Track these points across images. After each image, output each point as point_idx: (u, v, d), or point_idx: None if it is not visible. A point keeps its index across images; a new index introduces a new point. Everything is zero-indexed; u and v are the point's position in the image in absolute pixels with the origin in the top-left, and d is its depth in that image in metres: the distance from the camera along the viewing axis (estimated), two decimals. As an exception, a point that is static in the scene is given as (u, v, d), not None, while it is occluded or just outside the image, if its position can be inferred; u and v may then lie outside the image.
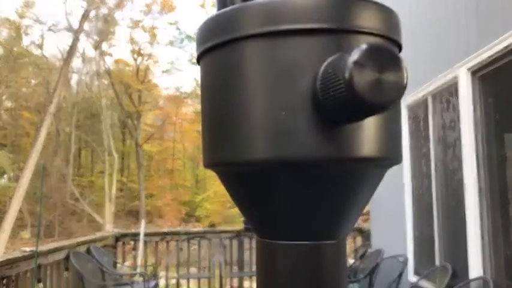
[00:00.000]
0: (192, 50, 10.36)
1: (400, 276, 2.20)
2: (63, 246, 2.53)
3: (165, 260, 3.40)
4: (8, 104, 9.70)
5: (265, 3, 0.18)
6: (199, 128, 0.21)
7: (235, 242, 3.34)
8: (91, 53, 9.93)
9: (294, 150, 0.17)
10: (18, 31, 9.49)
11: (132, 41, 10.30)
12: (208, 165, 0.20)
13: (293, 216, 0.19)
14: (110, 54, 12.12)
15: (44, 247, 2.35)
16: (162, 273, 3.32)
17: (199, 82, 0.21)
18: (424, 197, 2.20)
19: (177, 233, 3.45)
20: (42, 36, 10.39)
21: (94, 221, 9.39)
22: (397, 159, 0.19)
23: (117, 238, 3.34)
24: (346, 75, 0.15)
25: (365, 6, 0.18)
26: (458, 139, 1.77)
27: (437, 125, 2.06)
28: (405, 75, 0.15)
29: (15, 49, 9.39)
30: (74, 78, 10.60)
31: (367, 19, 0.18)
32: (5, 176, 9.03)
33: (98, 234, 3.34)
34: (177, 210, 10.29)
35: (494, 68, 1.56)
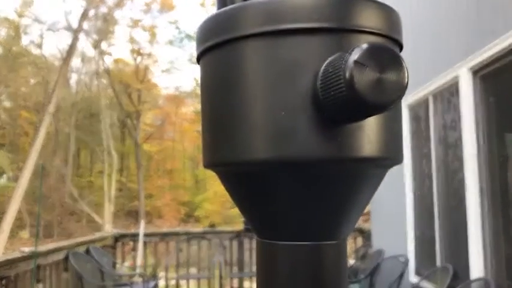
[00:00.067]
0: (191, 49, 10.39)
1: (401, 276, 2.20)
2: (63, 246, 2.53)
3: (164, 261, 3.40)
4: (7, 103, 9.70)
5: (265, 3, 0.18)
6: (199, 127, 0.21)
7: (235, 243, 3.34)
8: (90, 52, 9.95)
9: (294, 150, 0.17)
10: (17, 30, 9.48)
11: (132, 40, 10.32)
12: (208, 165, 0.20)
13: (293, 217, 0.19)
14: (110, 54, 12.16)
15: (43, 247, 2.35)
16: (161, 274, 3.32)
17: (199, 82, 0.21)
18: (425, 197, 2.20)
19: (177, 234, 3.45)
20: (41, 36, 10.42)
21: (93, 221, 9.39)
22: (398, 159, 0.19)
23: (117, 238, 3.34)
24: (347, 74, 0.15)
25: (366, 5, 0.18)
26: (459, 139, 1.77)
27: (438, 125, 2.07)
28: (406, 74, 0.15)
29: (14, 48, 9.39)
30: (73, 78, 10.62)
31: (367, 18, 0.18)
32: (4, 175, 9.03)
33: (97, 235, 3.34)
34: (176, 211, 10.29)
35: (495, 67, 1.56)
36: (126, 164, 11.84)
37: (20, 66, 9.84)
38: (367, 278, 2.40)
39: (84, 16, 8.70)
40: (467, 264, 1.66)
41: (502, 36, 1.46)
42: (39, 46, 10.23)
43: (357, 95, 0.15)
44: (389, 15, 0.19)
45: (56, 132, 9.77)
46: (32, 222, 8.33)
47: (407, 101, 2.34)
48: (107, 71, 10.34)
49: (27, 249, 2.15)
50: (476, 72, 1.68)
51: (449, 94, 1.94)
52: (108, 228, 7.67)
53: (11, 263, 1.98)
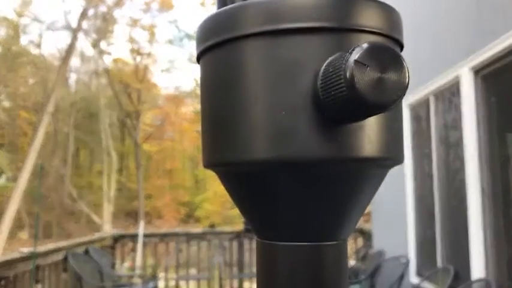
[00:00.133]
0: (191, 48, 10.39)
1: (401, 277, 2.20)
2: (62, 247, 2.52)
3: (164, 261, 3.39)
4: (6, 103, 9.68)
5: (265, 2, 0.18)
6: (199, 127, 0.21)
7: (235, 243, 3.34)
8: (89, 52, 9.94)
9: (294, 150, 0.17)
10: (16, 30, 9.47)
11: (131, 39, 10.32)
12: (208, 165, 0.20)
13: (294, 217, 0.18)
14: (109, 53, 12.14)
15: (42, 248, 2.34)
16: (161, 275, 3.31)
17: (199, 81, 0.21)
18: (426, 198, 2.19)
19: (177, 234, 3.44)
20: (40, 35, 10.40)
21: (92, 221, 9.37)
22: (398, 159, 0.19)
23: (116, 239, 3.33)
24: (348, 74, 0.15)
25: (366, 5, 0.18)
26: (460, 139, 1.76)
27: (439, 125, 2.06)
28: (407, 74, 0.15)
29: (13, 48, 9.38)
30: (72, 78, 10.60)
31: (368, 18, 0.18)
32: (3, 176, 9.01)
33: (97, 235, 3.33)
34: (176, 211, 10.28)
35: (496, 67, 1.56)
36: (125, 164, 11.82)
37: (19, 66, 9.82)
38: (367, 279, 2.40)
39: (83, 15, 8.70)
40: (468, 265, 1.65)
41: (502, 36, 1.46)
42: (38, 46, 10.22)
43: (358, 95, 0.15)
44: (390, 14, 0.19)
45: (55, 132, 9.76)
46: (31, 223, 8.31)
47: (408, 101, 2.34)
48: (106, 71, 10.32)
49: (26, 250, 2.15)
50: (477, 71, 1.67)
51: (450, 94, 1.93)
52: (108, 229, 7.66)
53: (10, 263, 1.98)
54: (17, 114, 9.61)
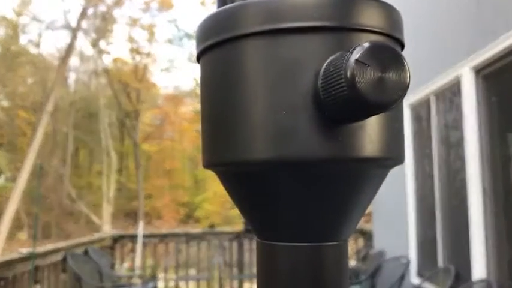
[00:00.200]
0: (191, 48, 10.35)
1: (402, 278, 2.20)
2: (61, 247, 2.52)
3: (163, 262, 3.39)
4: (5, 103, 9.66)
5: (266, 1, 0.18)
6: (199, 127, 0.21)
7: (235, 244, 3.34)
8: (89, 51, 9.92)
9: (295, 150, 0.17)
10: (15, 29, 9.45)
11: (131, 39, 10.31)
12: (207, 165, 0.20)
13: (294, 217, 0.18)
14: (108, 53, 12.12)
15: (41, 248, 2.34)
16: (160, 275, 3.31)
17: (199, 81, 0.20)
18: (426, 198, 2.19)
19: (176, 235, 3.44)
20: (39, 35, 10.38)
21: (92, 222, 9.35)
22: (399, 159, 0.19)
23: (115, 239, 3.33)
24: (348, 74, 0.15)
25: (367, 4, 0.18)
26: (461, 139, 1.76)
27: (440, 125, 2.06)
28: (408, 74, 0.15)
29: (12, 47, 9.36)
30: (72, 77, 10.58)
31: (369, 17, 0.18)
32: (2, 176, 8.99)
33: (96, 236, 3.33)
34: (175, 211, 10.27)
35: (497, 67, 1.55)
36: (125, 164, 11.81)
37: (18, 65, 9.80)
38: (368, 279, 2.40)
39: (82, 15, 8.68)
40: (470, 265, 1.65)
41: (503, 36, 1.46)
42: (38, 45, 10.19)
43: (358, 95, 0.15)
44: (391, 13, 0.19)
45: (54, 132, 9.74)
46: (30, 223, 8.29)
47: (409, 101, 2.33)
48: (106, 70, 10.31)
49: (25, 250, 2.14)
50: (478, 71, 1.67)
51: (451, 93, 1.93)
52: (107, 229, 7.64)
53: (8, 264, 1.97)
54: (15, 114, 9.59)
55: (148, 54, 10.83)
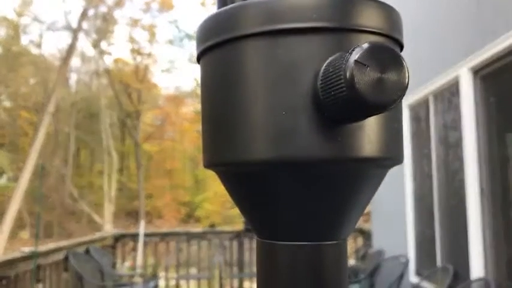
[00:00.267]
0: (191, 48, 10.38)
1: (401, 276, 2.20)
2: (62, 246, 2.53)
3: (164, 261, 3.40)
4: (7, 103, 9.71)
5: (266, 2, 0.18)
6: (199, 127, 0.21)
7: (235, 243, 3.34)
8: (90, 52, 9.96)
9: (294, 150, 0.17)
10: (16, 30, 9.49)
11: (132, 39, 10.34)
12: (208, 165, 0.20)
13: (294, 217, 0.19)
14: (109, 53, 12.16)
15: (43, 247, 2.35)
16: (161, 274, 3.32)
17: (199, 81, 0.21)
18: (425, 198, 2.20)
19: (177, 234, 3.45)
20: (40, 35, 10.42)
21: (93, 221, 9.39)
22: (398, 159, 0.19)
23: (117, 238, 3.34)
24: (347, 74, 0.15)
25: (366, 5, 0.18)
26: (459, 139, 1.77)
27: (438, 125, 2.06)
28: (407, 74, 0.15)
29: (13, 48, 9.40)
30: (73, 78, 10.62)
31: (368, 18, 0.18)
32: (4, 175, 9.04)
33: (97, 235, 3.34)
34: (176, 211, 10.30)
35: (496, 67, 1.56)
36: (126, 164, 11.84)
37: (20, 66, 9.83)
38: (367, 278, 2.40)
39: (83, 15, 8.70)
40: (468, 265, 1.65)
41: (502, 36, 1.46)
42: (39, 46, 10.23)
43: (358, 95, 0.15)
44: (390, 14, 0.19)
45: (55, 132, 9.77)
46: (32, 222, 8.33)
47: (407, 101, 2.34)
48: (107, 71, 10.33)
49: (27, 249, 2.15)
50: (476, 72, 1.68)
51: (449, 94, 1.93)
52: (108, 228, 7.67)
53: (11, 263, 1.98)
54: (17, 114, 9.64)
55: (149, 55, 10.85)
